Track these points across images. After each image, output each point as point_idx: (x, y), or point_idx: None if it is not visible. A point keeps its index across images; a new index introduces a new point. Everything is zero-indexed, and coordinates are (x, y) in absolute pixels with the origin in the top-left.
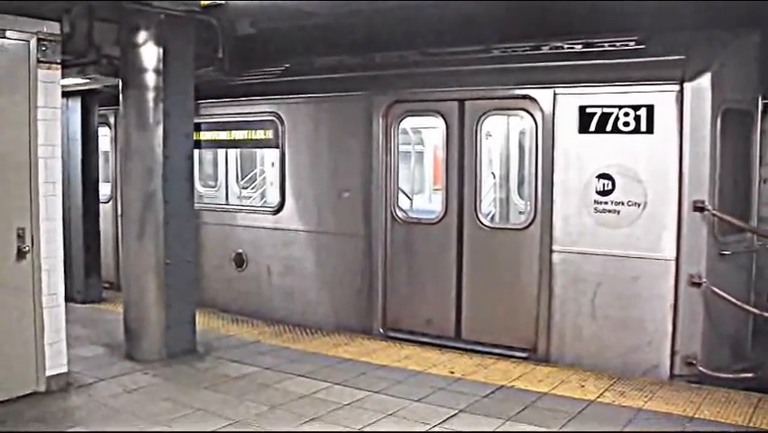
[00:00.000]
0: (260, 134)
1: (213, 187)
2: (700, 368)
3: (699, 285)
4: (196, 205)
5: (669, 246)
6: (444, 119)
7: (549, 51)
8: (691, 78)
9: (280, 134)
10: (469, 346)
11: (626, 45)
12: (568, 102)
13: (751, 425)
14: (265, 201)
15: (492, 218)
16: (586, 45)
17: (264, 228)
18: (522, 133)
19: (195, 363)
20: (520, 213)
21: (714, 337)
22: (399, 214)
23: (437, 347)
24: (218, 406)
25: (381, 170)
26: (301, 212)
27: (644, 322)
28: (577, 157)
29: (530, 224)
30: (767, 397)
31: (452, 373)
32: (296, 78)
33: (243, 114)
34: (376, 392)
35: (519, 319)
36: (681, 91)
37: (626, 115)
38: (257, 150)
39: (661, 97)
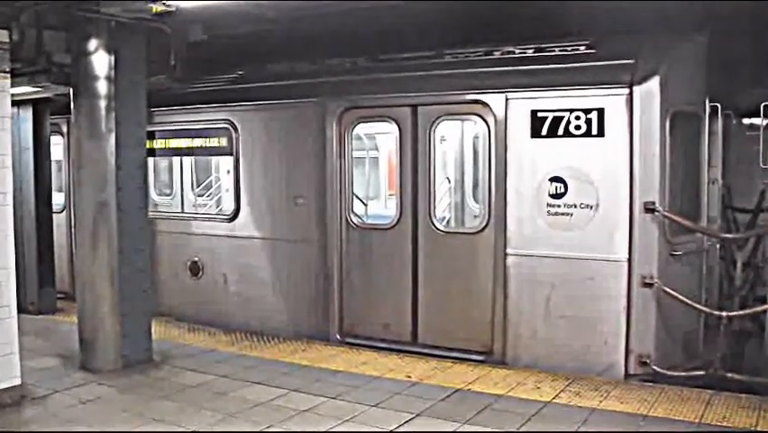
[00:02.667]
0: (214, 142)
1: (168, 195)
2: (654, 367)
3: (651, 285)
4: (151, 213)
5: (621, 247)
6: (398, 125)
7: (501, 57)
8: (640, 82)
9: (234, 142)
10: (425, 351)
11: (577, 49)
12: (520, 106)
13: (703, 421)
14: (221, 209)
15: (447, 223)
16: (537, 50)
17: (220, 236)
18: (476, 137)
19: (151, 373)
20: (475, 217)
21: (666, 337)
22: (354, 219)
23: (394, 352)
24: (175, 415)
25: (335, 176)
26: (256, 219)
27: (599, 323)
28: (530, 161)
29: (484, 227)
30: (719, 394)
31: (409, 377)
32: (249, 84)
33: (197, 121)
34: (332, 398)
35: (475, 322)
36: (631, 94)
37: (578, 118)
38: (212, 157)
39: (611, 101)
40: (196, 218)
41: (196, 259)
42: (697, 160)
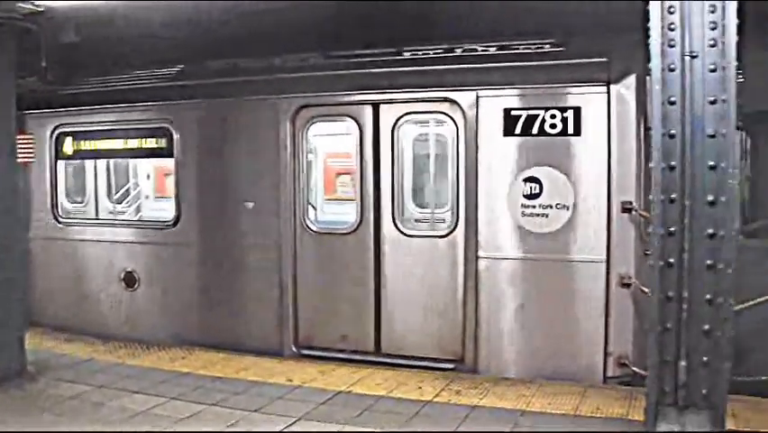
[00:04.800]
0: (150, 143)
1: (80, 202)
2: (633, 368)
3: (628, 285)
4: (72, 221)
5: (599, 248)
6: (358, 123)
7: (471, 54)
8: (617, 80)
9: (174, 142)
10: (390, 360)
11: (541, 48)
12: (492, 104)
13: (578, 413)
14: (141, 216)
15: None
16: (501, 48)
17: (159, 244)
18: (441, 136)
19: (26, 386)
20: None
21: (644, 337)
22: (310, 224)
23: (355, 364)
24: (53, 427)
25: (290, 178)
26: (201, 225)
27: (576, 325)
28: (502, 161)
29: (452, 230)
30: (593, 388)
31: (291, 381)
32: (192, 81)
33: (127, 121)
34: (213, 405)
35: (444, 330)
36: (608, 93)
37: (553, 117)
38: (133, 160)
39: (588, 99)
40: (131, 225)
41: (131, 269)
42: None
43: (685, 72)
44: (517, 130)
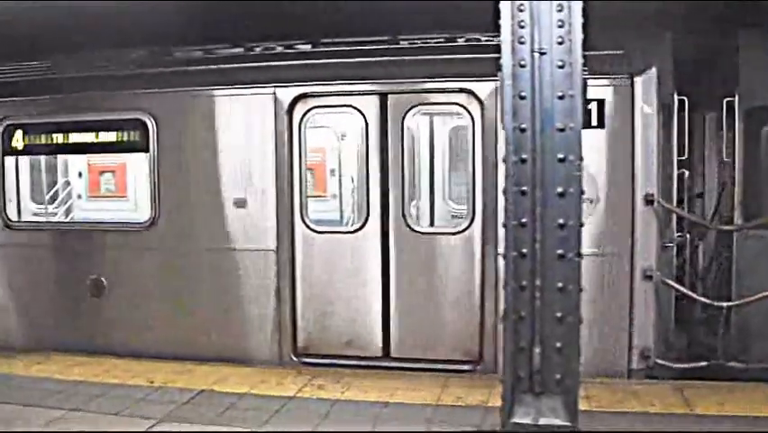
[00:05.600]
0: (119, 136)
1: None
2: (657, 360)
3: (650, 278)
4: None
5: (623, 241)
6: (363, 115)
7: (489, 43)
8: (640, 72)
9: (151, 135)
10: (400, 365)
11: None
12: None
13: (440, 403)
14: (72, 217)
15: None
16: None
17: (130, 248)
18: (454, 129)
19: None
20: (453, 216)
21: (666, 329)
22: (310, 223)
23: (361, 370)
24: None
25: (287, 173)
26: (184, 227)
27: (600, 320)
28: None
29: (467, 227)
30: (454, 376)
31: (152, 382)
32: (173, 68)
33: (91, 111)
34: (72, 410)
35: (460, 331)
36: (632, 85)
37: None
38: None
39: (612, 91)
40: (96, 229)
41: (96, 276)
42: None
43: (535, 68)
44: None
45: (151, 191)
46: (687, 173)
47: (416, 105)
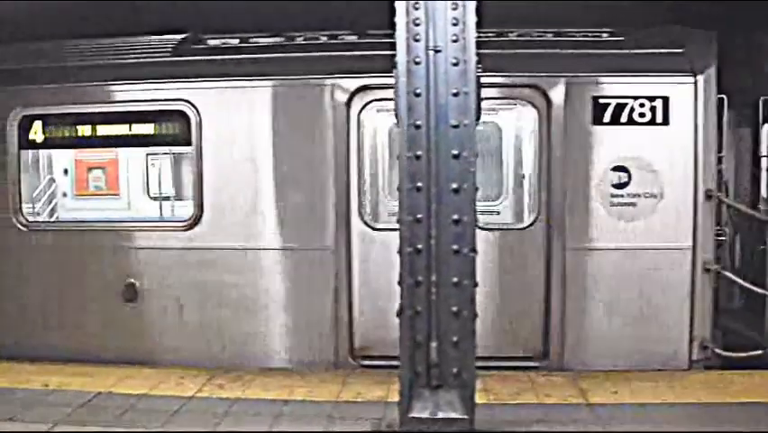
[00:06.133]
0: (156, 129)
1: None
2: (716, 351)
3: (709, 270)
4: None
5: (685, 235)
6: None
7: (559, 39)
8: (701, 71)
9: (194, 128)
10: None
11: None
12: (581, 92)
13: (339, 399)
14: (57, 218)
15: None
16: (590, 34)
17: (170, 249)
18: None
19: None
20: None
21: (724, 319)
22: (369, 220)
23: None
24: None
25: (344, 168)
26: (231, 225)
27: (663, 313)
28: (591, 150)
29: (534, 222)
30: (354, 373)
31: (47, 385)
32: (218, 57)
33: (120, 102)
34: None
35: (525, 327)
36: (695, 83)
37: (642, 106)
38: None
39: (676, 89)
40: (131, 228)
41: (133, 280)
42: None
43: (429, 66)
44: (606, 119)
45: (195, 187)
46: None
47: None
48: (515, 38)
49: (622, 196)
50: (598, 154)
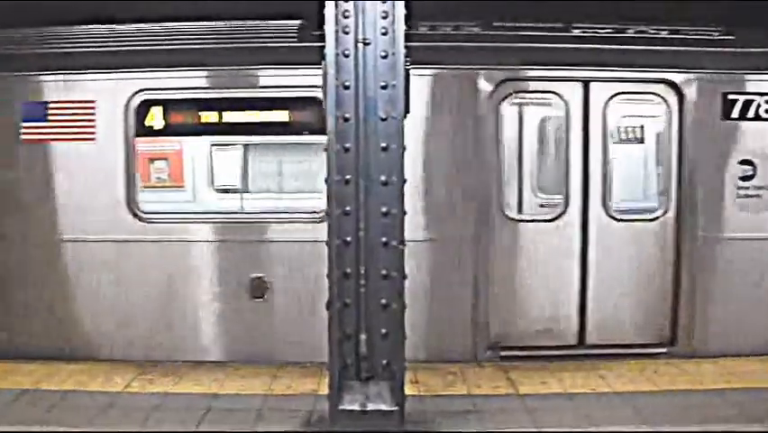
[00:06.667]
0: (291, 116)
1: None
2: None
3: None
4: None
5: None
6: (564, 101)
7: (692, 36)
8: None
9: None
10: (594, 352)
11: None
12: (711, 88)
13: (270, 392)
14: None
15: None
16: (723, 32)
17: (303, 242)
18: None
19: None
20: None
21: None
22: (508, 211)
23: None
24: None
25: (492, 161)
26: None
27: None
28: (719, 143)
29: (664, 213)
30: (285, 366)
31: None
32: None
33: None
34: None
35: (656, 315)
36: None
37: None
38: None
39: None
40: (260, 222)
41: (261, 275)
42: None
43: (358, 58)
44: (734, 114)
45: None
46: None
47: (618, 94)
48: (651, 35)
49: (748, 188)
50: (727, 148)
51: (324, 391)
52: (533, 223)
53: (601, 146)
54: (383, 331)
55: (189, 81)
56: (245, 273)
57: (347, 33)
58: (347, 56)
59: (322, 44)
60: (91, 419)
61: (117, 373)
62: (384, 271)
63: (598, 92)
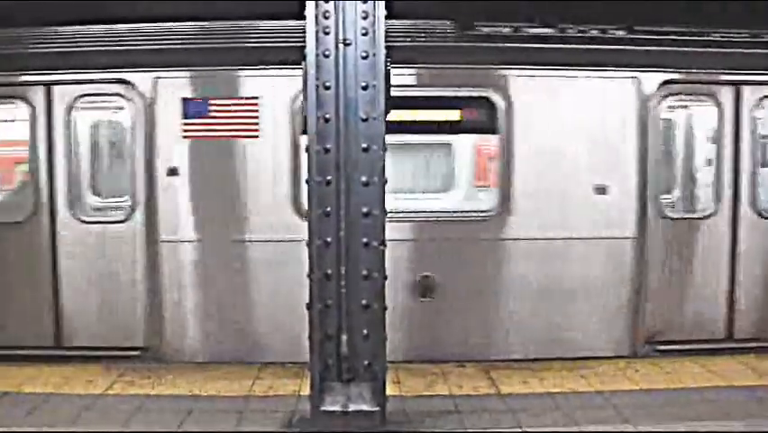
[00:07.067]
0: (459, 115)
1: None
2: None
3: None
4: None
5: None
6: (719, 104)
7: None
8: None
9: (502, 116)
10: (744, 345)
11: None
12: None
13: (251, 394)
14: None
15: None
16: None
17: (474, 240)
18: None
19: None
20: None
21: None
22: (667, 210)
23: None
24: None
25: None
26: (541, 215)
27: None
28: None
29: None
30: (266, 368)
31: None
32: (529, 45)
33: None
34: None
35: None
36: None
37: None
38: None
39: None
40: (427, 220)
41: (428, 274)
42: None
43: (339, 58)
44: None
45: (501, 176)
46: None
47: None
48: (718, 37)
49: None
50: None
51: (305, 392)
52: (685, 220)
53: (750, 147)
54: (364, 332)
55: None
56: (414, 272)
57: (327, 34)
58: (327, 56)
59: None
60: (71, 422)
61: (98, 376)
62: (365, 272)
63: (749, 95)
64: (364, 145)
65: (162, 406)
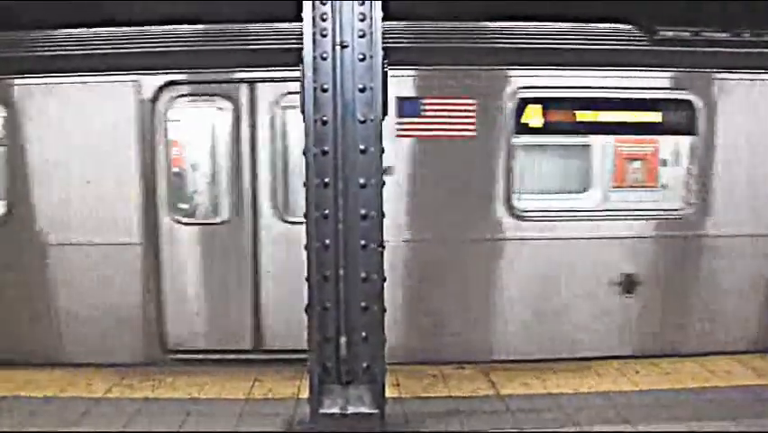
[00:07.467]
0: (651, 116)
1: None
2: None
3: None
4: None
5: None
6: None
7: None
8: None
9: (702, 117)
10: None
11: None
12: None
13: (251, 397)
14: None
15: None
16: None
17: (668, 237)
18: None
19: None
20: None
21: None
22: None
23: None
24: None
25: None
26: (738, 211)
27: None
28: None
29: None
30: (265, 370)
31: None
32: (727, 49)
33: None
34: None
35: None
36: None
37: None
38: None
39: None
40: (626, 219)
41: (632, 272)
42: None
43: (336, 61)
44: None
45: (698, 176)
46: None
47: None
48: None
49: None
50: None
51: (304, 394)
52: None
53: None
54: (363, 334)
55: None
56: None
57: (325, 36)
58: (325, 59)
59: None
60: (71, 423)
61: (97, 379)
62: (363, 274)
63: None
64: (362, 147)
65: (161, 408)
